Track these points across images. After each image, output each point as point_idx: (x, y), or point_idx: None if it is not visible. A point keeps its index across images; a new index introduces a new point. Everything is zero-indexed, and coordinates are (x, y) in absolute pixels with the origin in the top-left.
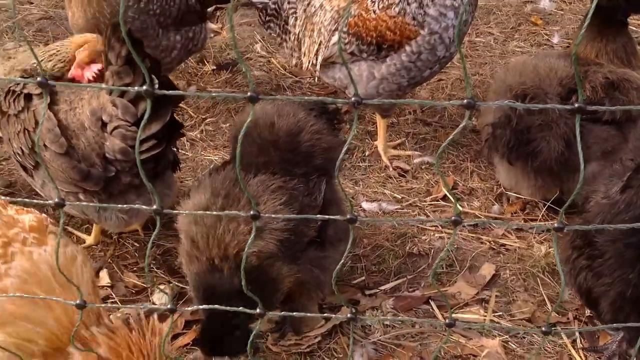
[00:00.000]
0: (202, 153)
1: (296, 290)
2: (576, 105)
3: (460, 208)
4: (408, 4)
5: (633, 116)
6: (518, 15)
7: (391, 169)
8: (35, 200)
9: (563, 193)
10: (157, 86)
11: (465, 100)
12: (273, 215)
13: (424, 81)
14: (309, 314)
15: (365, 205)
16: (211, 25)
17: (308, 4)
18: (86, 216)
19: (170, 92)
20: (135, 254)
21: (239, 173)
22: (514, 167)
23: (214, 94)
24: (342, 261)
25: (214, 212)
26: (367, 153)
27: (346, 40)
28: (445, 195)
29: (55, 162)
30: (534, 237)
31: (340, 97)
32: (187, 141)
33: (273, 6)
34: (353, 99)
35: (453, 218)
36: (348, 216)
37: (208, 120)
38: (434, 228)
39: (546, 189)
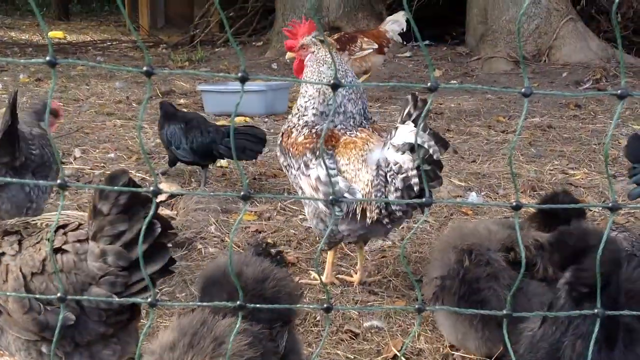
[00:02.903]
0: (158, 320)
1: None
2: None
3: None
4: None
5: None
6: (450, 207)
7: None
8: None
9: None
10: (159, 229)
11: None
12: None
13: None
14: None
15: None
16: (167, 212)
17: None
18: None
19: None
20: None
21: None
22: (461, 319)
23: (210, 193)
24: None
25: (204, 304)
26: (318, 318)
27: None
28: (395, 355)
29: (16, 314)
30: None
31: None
32: (142, 308)
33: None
34: None
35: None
36: (325, 305)
37: (164, 290)
38: None
39: (492, 343)
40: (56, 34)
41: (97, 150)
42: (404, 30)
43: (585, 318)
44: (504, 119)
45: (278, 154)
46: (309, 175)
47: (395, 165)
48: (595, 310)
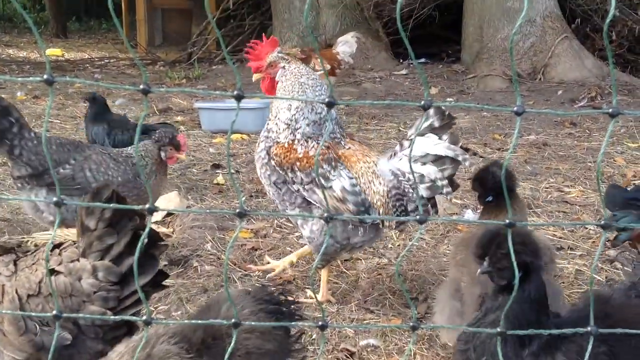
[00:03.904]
0: None
1: None
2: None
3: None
4: None
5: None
6: (446, 224)
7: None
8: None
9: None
10: (146, 240)
11: None
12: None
13: None
14: None
15: None
16: (163, 229)
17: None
18: None
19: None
20: None
21: None
22: None
23: (206, 211)
24: None
25: (199, 322)
26: (314, 337)
27: None
28: None
29: (11, 336)
30: None
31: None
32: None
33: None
34: None
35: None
36: (320, 323)
37: (160, 308)
38: None
39: None
40: (54, 52)
41: None
42: (354, 51)
43: (486, 315)
44: (499, 136)
45: (267, 172)
46: (331, 186)
47: (411, 175)
48: (589, 328)
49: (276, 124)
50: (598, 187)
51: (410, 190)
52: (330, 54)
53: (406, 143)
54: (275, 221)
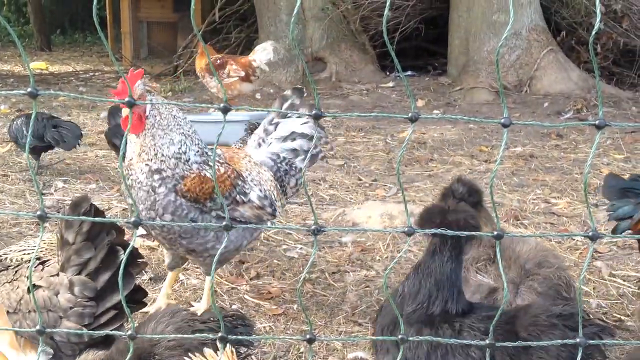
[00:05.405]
0: None
1: None
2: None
3: None
4: None
5: None
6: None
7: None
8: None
9: None
10: (122, 256)
11: None
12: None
13: None
14: None
15: None
16: (149, 243)
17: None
18: None
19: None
20: None
21: None
22: None
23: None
24: None
25: (185, 336)
26: (301, 350)
27: None
28: None
29: None
30: None
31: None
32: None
33: None
34: None
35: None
36: (307, 336)
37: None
38: None
39: None
40: (38, 65)
41: (79, 181)
42: (272, 59)
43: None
44: (486, 148)
45: (183, 212)
46: (250, 199)
47: (287, 152)
48: (577, 340)
49: (162, 161)
50: (585, 198)
51: (288, 168)
52: (246, 61)
53: (270, 127)
54: (262, 234)
